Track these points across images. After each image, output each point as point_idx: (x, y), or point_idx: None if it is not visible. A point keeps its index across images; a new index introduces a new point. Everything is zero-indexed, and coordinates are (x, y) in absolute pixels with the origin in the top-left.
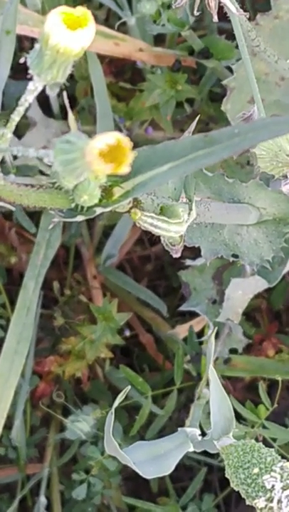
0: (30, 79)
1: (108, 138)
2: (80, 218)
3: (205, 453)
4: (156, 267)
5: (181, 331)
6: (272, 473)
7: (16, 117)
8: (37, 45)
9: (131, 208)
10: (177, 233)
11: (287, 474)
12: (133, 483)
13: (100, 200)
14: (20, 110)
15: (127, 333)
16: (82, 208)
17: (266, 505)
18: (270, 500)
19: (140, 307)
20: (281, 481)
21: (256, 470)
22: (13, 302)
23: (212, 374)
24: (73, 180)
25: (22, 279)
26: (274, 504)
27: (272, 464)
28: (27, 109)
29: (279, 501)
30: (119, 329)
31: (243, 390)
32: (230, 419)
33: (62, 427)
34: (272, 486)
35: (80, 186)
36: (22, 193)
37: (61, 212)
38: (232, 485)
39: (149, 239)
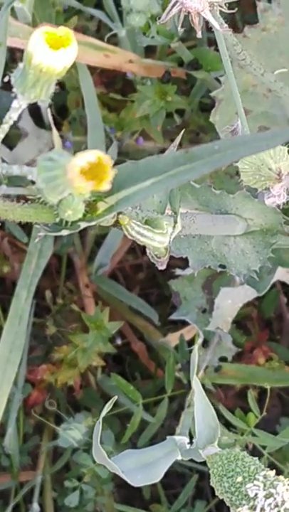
0: (15, 97)
1: (89, 156)
2: (65, 232)
3: (197, 460)
4: (148, 276)
5: (173, 339)
6: (256, 482)
7: (0, 134)
8: (21, 64)
9: (118, 219)
10: (161, 243)
11: (270, 483)
12: (125, 490)
13: (84, 215)
14: (4, 128)
15: (119, 341)
16: (67, 222)
17: None
18: (253, 508)
19: (132, 315)
20: (264, 490)
21: (240, 479)
22: (5, 311)
23: (196, 384)
24: (56, 196)
25: (14, 288)
26: None
27: (255, 473)
28: (18, 120)
29: (262, 509)
30: (111, 337)
31: (234, 398)
32: (215, 428)
33: (55, 434)
34: (256, 495)
35: (64, 201)
36: (7, 208)
37: (47, 226)
38: (217, 493)
39: (140, 248)
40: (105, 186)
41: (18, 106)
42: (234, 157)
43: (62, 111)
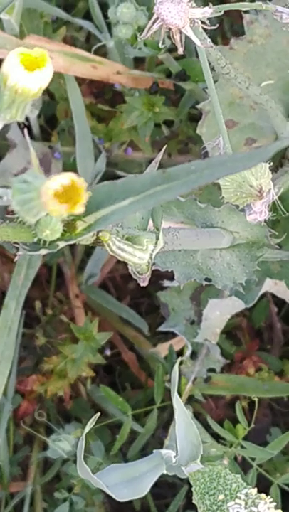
0: None
1: (63, 179)
2: (43, 252)
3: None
4: (139, 286)
5: (162, 349)
6: (237, 500)
7: None
8: None
9: (98, 236)
10: (141, 260)
11: (252, 501)
12: (116, 501)
13: (63, 234)
14: None
15: (108, 352)
16: (45, 242)
17: None
18: None
19: (122, 325)
20: (245, 508)
21: (221, 497)
22: None
23: (177, 402)
24: (32, 218)
25: (4, 298)
26: None
27: (237, 491)
28: (7, 131)
29: None
30: (101, 348)
31: (225, 408)
32: (198, 446)
33: (45, 445)
34: None
35: (41, 221)
36: None
37: (25, 245)
38: (199, 511)
39: None
40: (79, 209)
41: None
42: (211, 178)
43: (52, 121)
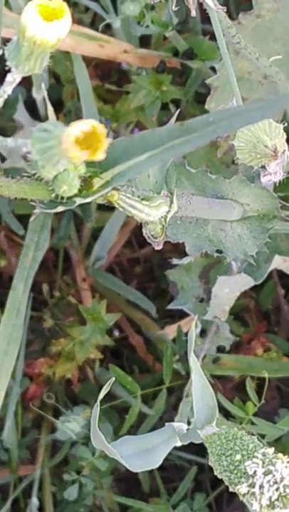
0: (9, 71)
1: (83, 125)
2: (60, 209)
3: (196, 452)
4: (146, 269)
5: (170, 331)
6: (254, 460)
7: None
8: (14, 37)
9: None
10: (148, 216)
11: (269, 460)
12: (125, 484)
13: (80, 191)
14: None
15: (116, 333)
16: (62, 198)
17: (248, 491)
18: (252, 485)
19: (129, 309)
20: (263, 467)
21: (238, 456)
22: (2, 305)
23: (194, 363)
24: (51, 169)
25: (11, 282)
26: (256, 489)
27: (254, 451)
28: (14, 112)
29: (261, 487)
30: (109, 330)
31: (233, 390)
32: (213, 408)
33: (53, 428)
34: (254, 472)
35: (59, 177)
36: (2, 184)
37: (42, 203)
38: (215, 472)
39: (137, 241)
40: (100, 156)
41: (13, 80)
42: (229, 128)
43: (58, 103)
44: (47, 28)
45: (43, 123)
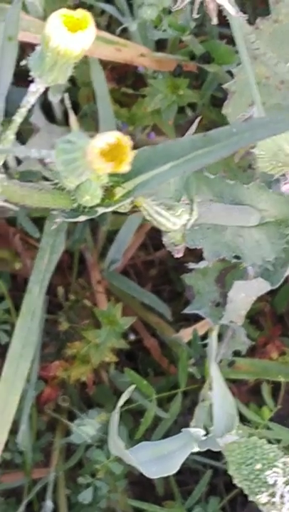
0: (32, 81)
1: (108, 137)
2: (82, 218)
3: (210, 456)
4: (160, 272)
5: (186, 334)
6: (275, 469)
7: (18, 119)
8: (38, 48)
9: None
10: (175, 225)
11: None
12: (139, 487)
13: (102, 200)
14: (22, 112)
15: (132, 337)
16: (85, 208)
17: (269, 500)
18: (273, 495)
19: (145, 312)
20: (283, 476)
21: (259, 466)
22: (17, 308)
23: (214, 371)
24: (75, 179)
25: (26, 285)
26: (276, 499)
27: (274, 460)
28: (30, 115)
29: (281, 496)
30: (124, 333)
31: (248, 394)
32: (233, 416)
33: (67, 431)
34: (275, 481)
35: (81, 186)
36: (25, 193)
37: (64, 212)
38: (235, 481)
39: (152, 244)
40: (125, 168)
41: (36, 90)
42: (252, 139)
43: (74, 106)
44: (71, 39)
45: (67, 135)
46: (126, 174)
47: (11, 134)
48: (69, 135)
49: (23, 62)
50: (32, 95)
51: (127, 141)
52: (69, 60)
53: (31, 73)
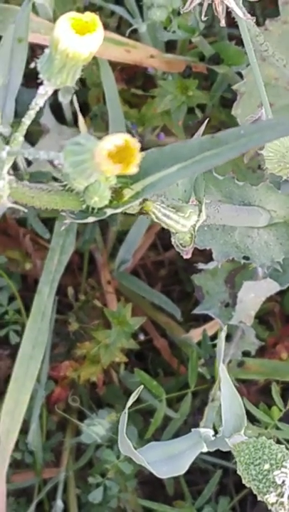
0: (41, 83)
1: (116, 139)
2: (91, 219)
3: (220, 456)
4: (170, 273)
5: (195, 335)
6: (283, 469)
7: (26, 121)
8: (47, 50)
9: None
10: (184, 227)
11: None
12: (149, 487)
13: (111, 202)
14: (31, 114)
15: (142, 337)
16: (93, 209)
17: (277, 500)
18: (281, 495)
19: (154, 312)
20: None
21: (267, 466)
22: (28, 308)
23: (223, 372)
24: (83, 181)
25: (37, 285)
26: (285, 499)
27: (282, 460)
28: (40, 116)
29: None
30: (134, 334)
31: (257, 394)
32: (242, 417)
33: (78, 431)
34: (283, 482)
35: (90, 188)
36: (34, 195)
37: (72, 214)
38: (244, 481)
39: (162, 244)
40: (133, 169)
41: (45, 92)
42: (260, 141)
43: (83, 107)
44: (79, 42)
45: (76, 137)
46: (134, 176)
47: (19, 136)
48: (77, 137)
49: (32, 65)
50: (41, 97)
51: (134, 143)
52: (77, 62)
53: (40, 75)
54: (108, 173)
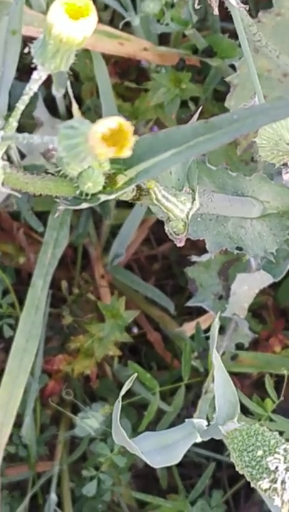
0: (35, 69)
1: (110, 122)
2: (84, 205)
3: (213, 449)
4: (164, 267)
5: (189, 328)
6: (276, 455)
7: (20, 106)
8: (41, 35)
9: (141, 187)
10: (182, 212)
11: None
12: (143, 480)
13: (104, 188)
14: (24, 99)
15: (135, 331)
16: (87, 195)
17: (270, 487)
18: (274, 481)
19: (148, 306)
20: (284, 463)
21: (260, 452)
22: (21, 302)
23: (216, 359)
24: (77, 166)
25: (30, 279)
26: (278, 485)
27: (275, 446)
28: (33, 110)
29: (283, 482)
30: (127, 327)
31: (250, 387)
32: (235, 404)
33: (71, 424)
34: (276, 468)
35: (84, 173)
36: (28, 180)
37: (66, 200)
38: (237, 468)
39: (155, 238)
40: (126, 153)
41: (38, 77)
42: (253, 126)
43: (77, 101)
44: (73, 26)
45: (69, 120)
46: (128, 161)
47: (13, 122)
48: (71, 120)
49: (26, 50)
50: (34, 83)
51: (128, 126)
52: (71, 47)
53: (34, 60)
54: (102, 157)
